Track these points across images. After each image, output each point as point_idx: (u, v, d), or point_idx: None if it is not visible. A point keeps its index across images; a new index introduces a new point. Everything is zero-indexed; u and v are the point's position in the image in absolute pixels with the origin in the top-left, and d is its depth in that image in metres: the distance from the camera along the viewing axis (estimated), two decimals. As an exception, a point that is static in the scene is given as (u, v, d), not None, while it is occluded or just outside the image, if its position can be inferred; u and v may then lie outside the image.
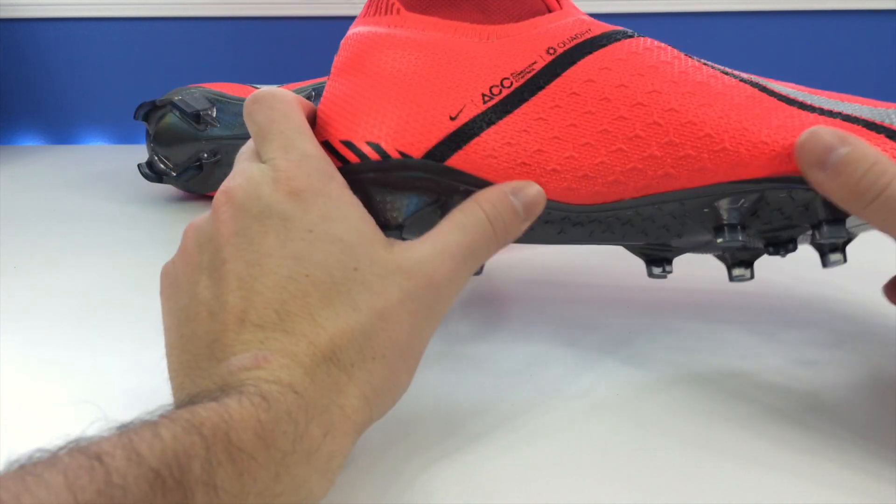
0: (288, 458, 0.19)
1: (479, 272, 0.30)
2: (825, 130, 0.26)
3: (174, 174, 0.56)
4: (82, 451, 0.16)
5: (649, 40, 0.31)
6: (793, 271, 0.41)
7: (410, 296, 0.23)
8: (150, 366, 0.25)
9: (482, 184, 0.29)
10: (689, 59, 0.30)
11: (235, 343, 0.21)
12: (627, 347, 0.34)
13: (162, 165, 0.56)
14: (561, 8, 0.31)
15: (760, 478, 0.25)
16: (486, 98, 0.29)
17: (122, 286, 0.41)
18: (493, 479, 0.25)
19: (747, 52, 0.75)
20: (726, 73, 0.30)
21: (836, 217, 0.28)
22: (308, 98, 0.50)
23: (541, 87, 0.29)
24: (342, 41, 0.32)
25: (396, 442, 0.27)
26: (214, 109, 0.55)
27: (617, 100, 0.29)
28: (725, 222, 0.29)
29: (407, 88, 0.30)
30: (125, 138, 0.79)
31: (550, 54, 0.30)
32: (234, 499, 0.17)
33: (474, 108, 0.29)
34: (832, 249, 0.30)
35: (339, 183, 0.26)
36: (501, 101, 0.29)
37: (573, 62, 0.30)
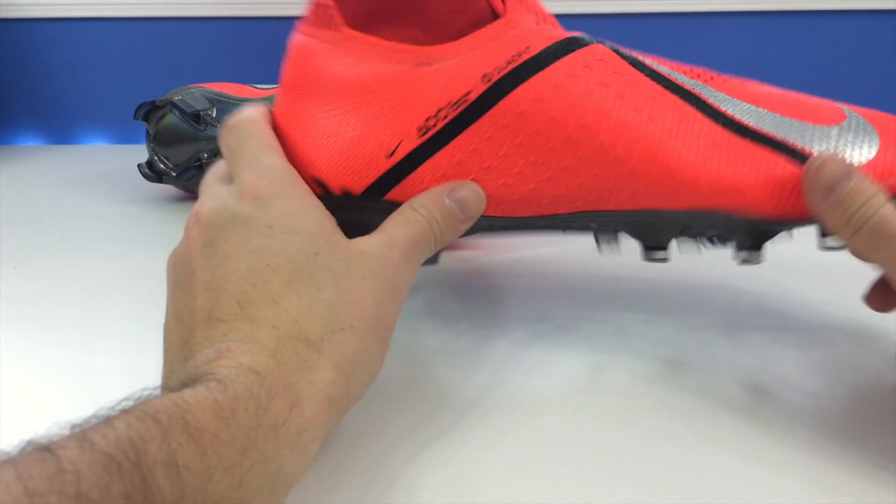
0: (253, 433, 0.19)
1: (434, 262, 0.32)
2: (834, 162, 0.27)
3: (174, 174, 0.56)
4: (34, 446, 0.16)
5: (595, 51, 0.31)
6: (801, 270, 0.41)
7: (371, 273, 0.25)
8: (149, 366, 0.25)
9: None
10: (630, 72, 0.30)
11: (202, 341, 0.22)
12: (624, 341, 0.34)
13: (162, 165, 0.56)
14: (505, 13, 0.31)
15: (760, 475, 0.25)
16: (422, 131, 0.30)
17: (122, 286, 0.41)
18: (485, 470, 0.25)
19: (747, 52, 0.75)
20: (665, 82, 0.30)
21: (758, 244, 0.30)
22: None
23: (475, 119, 0.30)
24: (290, 45, 0.33)
25: (392, 436, 0.27)
26: (214, 109, 0.55)
27: (548, 132, 0.30)
28: (653, 245, 0.32)
29: (347, 125, 0.31)
30: (125, 138, 0.79)
31: (485, 82, 0.30)
32: (199, 477, 0.17)
33: (410, 143, 0.30)
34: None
35: (301, 186, 0.28)
36: (436, 135, 0.30)
37: (507, 92, 0.30)
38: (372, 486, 0.25)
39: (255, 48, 0.76)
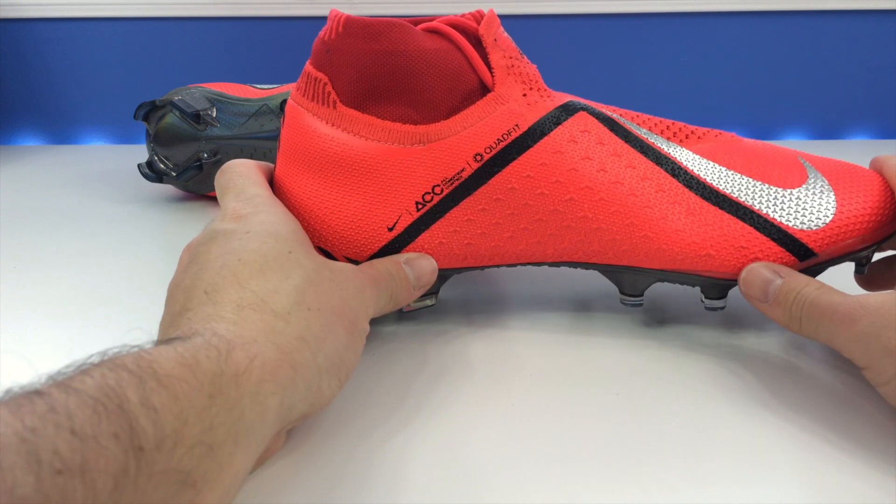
0: (217, 380, 0.20)
1: (401, 311, 0.35)
2: (759, 269, 0.31)
3: (174, 174, 0.56)
4: (17, 391, 0.16)
5: (579, 121, 0.33)
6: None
7: (339, 278, 0.27)
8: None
9: None
10: (611, 139, 0.33)
11: (168, 330, 0.23)
12: (621, 337, 0.34)
13: (162, 165, 0.56)
14: (494, 86, 0.33)
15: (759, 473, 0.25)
16: (420, 205, 0.33)
17: (122, 286, 0.41)
18: (485, 470, 0.25)
19: (747, 52, 0.75)
20: (642, 148, 0.33)
21: (722, 294, 0.34)
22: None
23: (468, 194, 0.32)
24: (286, 111, 0.34)
25: (385, 432, 0.27)
26: (214, 109, 0.54)
27: (536, 205, 0.33)
28: (628, 292, 0.35)
29: (347, 201, 0.33)
30: (125, 138, 0.79)
31: (478, 161, 0.32)
32: (176, 419, 0.18)
33: (409, 217, 0.33)
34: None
35: (282, 208, 0.30)
36: (433, 208, 0.33)
37: (498, 171, 0.32)
38: (372, 486, 0.25)
39: (255, 48, 0.76)
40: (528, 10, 0.73)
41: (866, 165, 0.35)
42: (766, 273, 0.30)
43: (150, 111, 0.56)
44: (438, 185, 0.32)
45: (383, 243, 0.33)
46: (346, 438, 0.27)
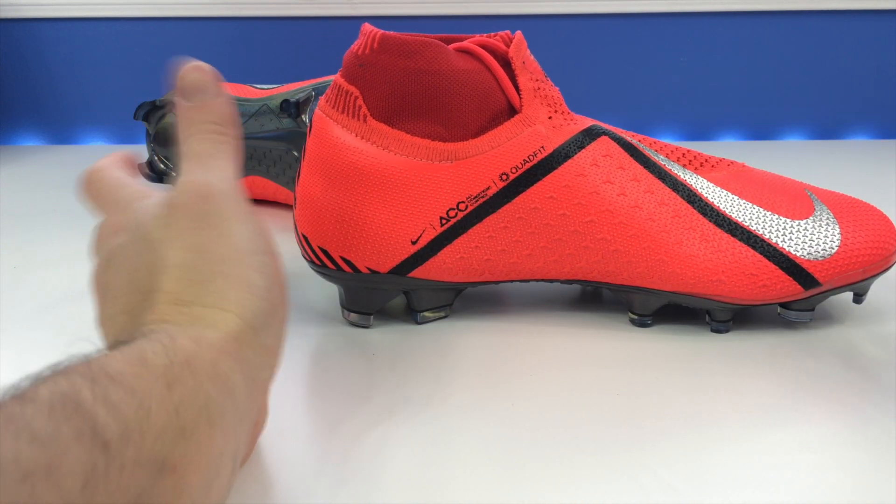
0: (171, 370, 0.19)
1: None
2: None
3: (174, 174, 0.56)
4: None
5: (602, 145, 0.34)
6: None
7: (195, 219, 0.24)
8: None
9: (439, 285, 0.35)
10: (631, 164, 0.34)
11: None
12: (618, 336, 0.34)
13: (162, 165, 0.56)
14: (522, 108, 0.34)
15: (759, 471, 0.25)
16: (444, 221, 0.33)
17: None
18: (482, 470, 0.25)
19: (747, 53, 0.75)
20: (660, 174, 0.34)
21: (728, 318, 0.35)
22: (308, 98, 0.50)
23: (492, 211, 0.34)
24: (314, 121, 0.35)
25: (384, 433, 0.27)
26: (214, 109, 0.54)
27: (557, 225, 0.34)
28: (639, 312, 0.36)
29: (372, 214, 0.34)
30: (125, 138, 0.79)
31: (503, 181, 0.33)
32: (137, 411, 0.18)
33: (433, 231, 0.34)
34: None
35: (139, 197, 0.27)
36: (457, 223, 0.34)
37: (522, 190, 0.34)
38: (372, 485, 0.25)
39: (255, 48, 0.76)
40: (528, 10, 0.73)
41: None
42: None
43: (150, 111, 0.56)
44: (463, 202, 0.33)
45: (406, 256, 0.34)
46: (347, 440, 0.27)
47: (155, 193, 0.26)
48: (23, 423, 0.16)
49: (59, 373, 0.18)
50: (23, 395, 0.17)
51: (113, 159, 0.30)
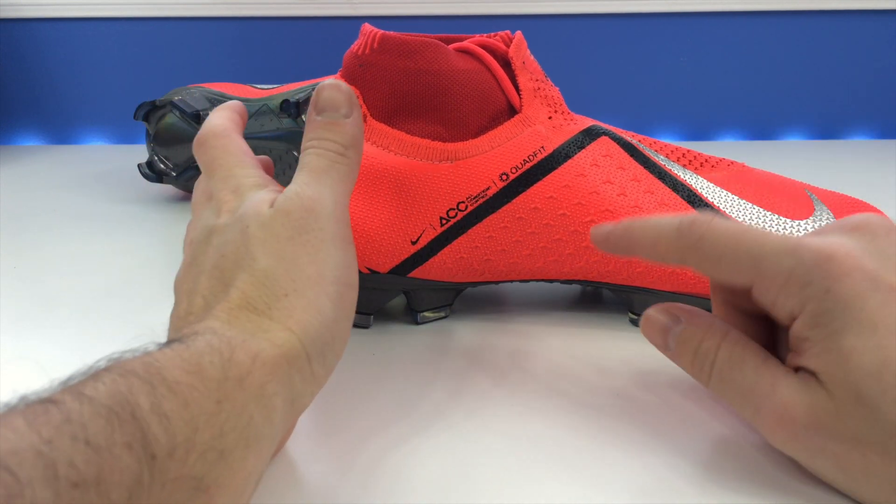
0: (223, 386, 0.20)
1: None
2: (655, 311, 0.27)
3: (174, 174, 0.56)
4: (33, 400, 0.17)
5: (602, 145, 0.34)
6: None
7: (294, 230, 0.25)
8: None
9: (438, 285, 0.35)
10: (631, 164, 0.34)
11: (174, 335, 0.23)
12: (618, 336, 0.34)
13: (162, 165, 0.56)
14: (522, 108, 0.34)
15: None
16: (444, 221, 0.33)
17: (122, 286, 0.41)
18: (485, 472, 0.25)
19: (747, 53, 0.75)
20: (660, 174, 0.34)
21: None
22: (307, 98, 0.50)
23: (492, 212, 0.34)
24: None
25: (391, 436, 0.27)
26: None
27: (557, 225, 0.33)
28: (638, 312, 0.35)
29: (372, 213, 0.33)
30: (125, 138, 0.79)
31: (503, 180, 0.33)
32: (187, 425, 0.18)
33: (433, 231, 0.33)
34: None
35: (265, 185, 0.28)
36: (457, 223, 0.33)
37: (522, 190, 0.33)
38: (374, 487, 0.25)
39: (255, 48, 0.76)
40: (528, 10, 0.73)
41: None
42: (663, 319, 0.27)
43: (150, 111, 0.56)
44: (463, 202, 0.33)
45: (406, 256, 0.34)
46: (347, 440, 0.27)
47: (268, 183, 0.27)
48: (80, 425, 0.16)
49: (117, 369, 0.18)
50: (80, 390, 0.17)
51: (229, 122, 0.31)
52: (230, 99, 0.55)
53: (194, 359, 0.20)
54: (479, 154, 0.33)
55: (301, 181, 0.26)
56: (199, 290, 0.24)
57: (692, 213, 0.25)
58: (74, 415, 0.16)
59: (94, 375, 0.18)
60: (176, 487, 0.17)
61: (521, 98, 0.34)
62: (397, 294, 0.36)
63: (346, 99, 0.28)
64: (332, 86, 0.28)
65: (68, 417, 0.16)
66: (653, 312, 0.27)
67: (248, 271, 0.24)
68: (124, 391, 0.17)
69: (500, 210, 0.33)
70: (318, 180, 0.26)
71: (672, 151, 0.36)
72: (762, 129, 0.78)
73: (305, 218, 0.25)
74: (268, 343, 0.22)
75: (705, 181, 0.35)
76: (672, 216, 0.25)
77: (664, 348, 0.27)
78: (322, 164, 0.27)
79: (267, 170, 0.32)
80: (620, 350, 0.34)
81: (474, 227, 0.34)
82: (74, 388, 0.17)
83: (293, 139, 0.51)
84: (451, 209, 0.33)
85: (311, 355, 0.23)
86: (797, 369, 0.23)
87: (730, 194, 0.34)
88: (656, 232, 0.25)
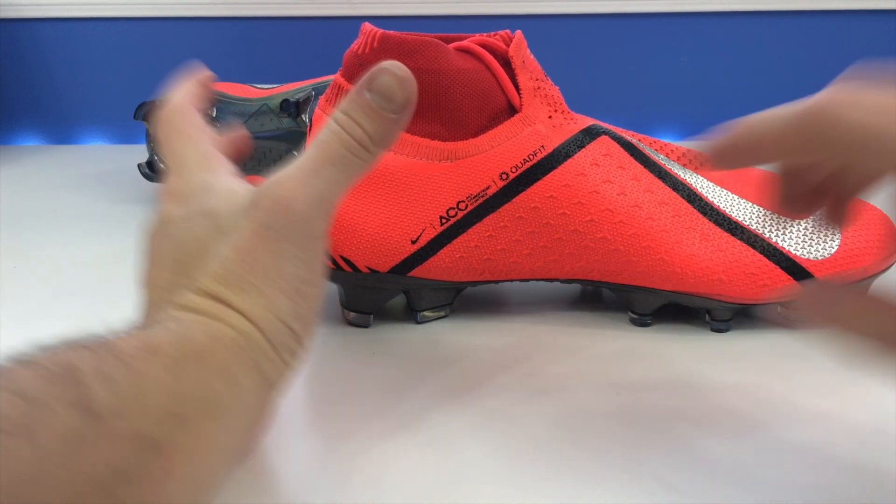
0: (180, 363, 0.20)
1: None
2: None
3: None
4: None
5: (602, 144, 0.34)
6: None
7: (262, 225, 0.24)
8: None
9: (438, 285, 0.35)
10: (631, 164, 0.34)
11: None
12: (616, 337, 0.34)
13: (162, 165, 0.56)
14: (522, 107, 0.34)
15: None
16: (444, 220, 0.33)
17: (122, 286, 0.41)
18: (481, 471, 0.25)
19: (747, 52, 0.75)
20: (660, 173, 0.34)
21: (727, 318, 0.35)
22: (307, 98, 0.50)
23: (492, 211, 0.33)
24: (313, 121, 0.35)
25: (386, 431, 0.27)
26: (214, 109, 0.54)
27: (557, 225, 0.34)
28: (639, 312, 0.36)
29: (373, 213, 0.34)
30: (125, 138, 0.79)
31: (503, 180, 0.33)
32: (135, 389, 0.18)
33: (433, 231, 0.34)
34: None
35: (218, 170, 0.27)
36: (457, 223, 0.34)
37: (522, 190, 0.33)
38: (372, 485, 0.25)
39: (255, 48, 0.76)
40: (528, 10, 0.73)
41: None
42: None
43: (150, 111, 0.56)
44: (463, 202, 0.33)
45: (406, 255, 0.34)
46: (344, 437, 0.27)
47: (220, 165, 0.27)
48: (16, 382, 0.17)
49: (67, 346, 0.19)
50: (26, 359, 0.18)
51: (185, 98, 0.30)
52: (230, 99, 0.55)
53: (149, 339, 0.20)
54: (479, 153, 0.33)
55: (295, 166, 0.24)
56: (159, 282, 0.25)
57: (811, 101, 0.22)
58: (14, 374, 0.17)
59: (41, 350, 0.19)
60: (125, 445, 0.18)
61: (521, 97, 0.34)
62: (397, 293, 0.36)
63: (405, 99, 0.25)
64: (399, 78, 0.24)
65: (8, 377, 0.17)
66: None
67: (213, 262, 0.24)
68: (68, 359, 0.18)
69: (501, 209, 0.33)
70: (313, 171, 0.24)
71: (672, 151, 0.36)
72: (762, 129, 0.78)
73: (279, 218, 0.24)
74: (228, 329, 0.22)
75: (705, 180, 0.35)
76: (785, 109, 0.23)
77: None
78: (334, 151, 0.24)
79: (237, 148, 0.31)
80: (620, 350, 0.34)
81: (474, 227, 0.34)
82: (21, 357, 0.18)
83: (293, 139, 0.51)
84: (451, 208, 0.33)
85: (275, 344, 0.23)
86: None
87: (730, 193, 0.34)
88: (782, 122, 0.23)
